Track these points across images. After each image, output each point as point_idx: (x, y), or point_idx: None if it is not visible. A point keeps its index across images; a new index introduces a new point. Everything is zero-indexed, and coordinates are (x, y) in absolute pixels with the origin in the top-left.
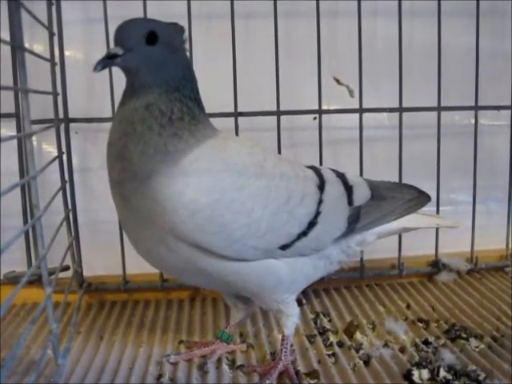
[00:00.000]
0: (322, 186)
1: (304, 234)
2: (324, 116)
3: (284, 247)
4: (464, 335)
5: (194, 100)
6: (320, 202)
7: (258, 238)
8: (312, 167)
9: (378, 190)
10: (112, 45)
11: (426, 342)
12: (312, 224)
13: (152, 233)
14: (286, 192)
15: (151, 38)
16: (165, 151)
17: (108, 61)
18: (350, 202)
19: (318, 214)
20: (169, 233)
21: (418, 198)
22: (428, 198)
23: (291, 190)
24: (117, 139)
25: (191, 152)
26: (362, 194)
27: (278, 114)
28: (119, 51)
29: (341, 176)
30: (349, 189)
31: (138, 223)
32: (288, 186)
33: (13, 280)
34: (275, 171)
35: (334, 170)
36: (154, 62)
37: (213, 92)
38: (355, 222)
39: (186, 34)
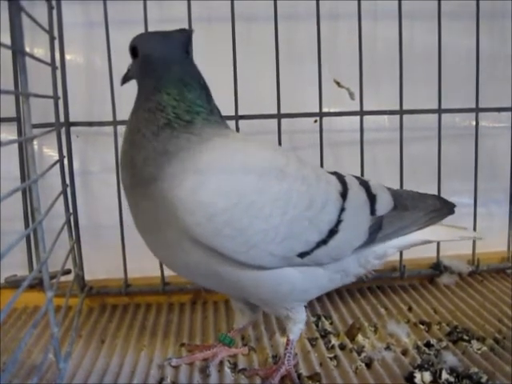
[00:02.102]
0: (344, 194)
1: (324, 242)
2: (325, 119)
3: (302, 255)
4: (466, 337)
5: (179, 102)
6: (342, 209)
7: (276, 244)
8: (335, 173)
9: (401, 200)
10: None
11: (428, 345)
12: (333, 232)
13: (166, 235)
14: (307, 198)
15: (133, 52)
16: (164, 151)
17: (125, 75)
18: (373, 211)
19: (339, 222)
20: (183, 235)
21: (441, 210)
22: (451, 210)
23: (313, 196)
24: (126, 148)
25: (199, 150)
26: (384, 204)
27: (279, 116)
28: (129, 66)
29: (364, 184)
30: (372, 198)
31: (152, 226)
32: (310, 191)
33: (14, 284)
34: (297, 176)
35: (357, 178)
36: (137, 74)
37: (213, 95)
38: (376, 231)
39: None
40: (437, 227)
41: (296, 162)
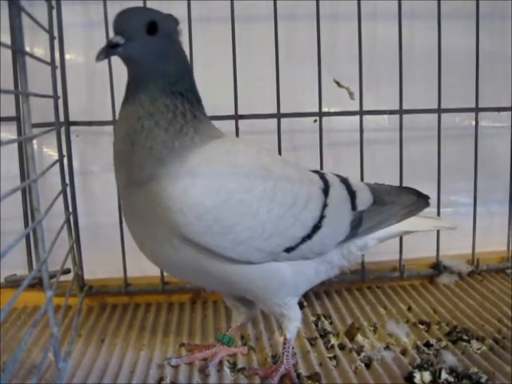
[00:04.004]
0: (326, 190)
1: (308, 237)
2: (324, 118)
3: (288, 250)
4: (465, 337)
5: (193, 94)
6: (324, 205)
7: (263, 240)
8: (317, 172)
9: (380, 195)
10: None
11: (428, 345)
12: (316, 227)
13: (157, 232)
14: (291, 195)
15: (152, 28)
16: (171, 147)
17: (110, 50)
18: (354, 206)
19: (322, 217)
20: (174, 232)
21: (418, 203)
22: (427, 203)
23: (297, 194)
24: (124, 136)
25: (197, 152)
26: (364, 199)
27: (279, 116)
28: (120, 40)
29: (344, 181)
30: (352, 194)
31: (144, 221)
32: (294, 189)
33: (14, 283)
34: (282, 174)
35: (337, 175)
36: (155, 53)
37: (213, 95)
38: (358, 226)
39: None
40: (415, 219)
41: (280, 162)
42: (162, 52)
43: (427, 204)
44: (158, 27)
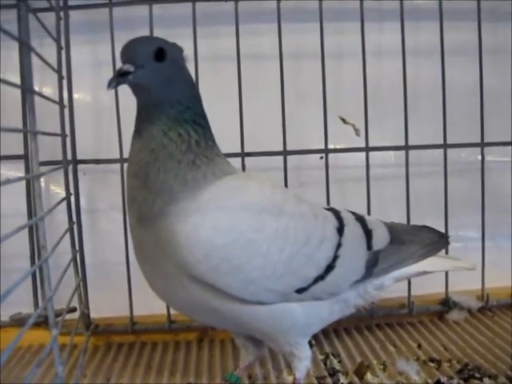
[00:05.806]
0: (341, 230)
1: (321, 277)
2: (330, 155)
3: (300, 290)
4: (477, 375)
5: (204, 119)
6: (339, 245)
7: (274, 280)
8: (331, 209)
9: (397, 234)
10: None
11: (439, 383)
12: (330, 268)
13: (167, 270)
14: (304, 235)
15: (160, 55)
16: (184, 182)
17: (120, 78)
18: (369, 246)
19: (336, 257)
20: (183, 271)
21: (437, 243)
22: (447, 242)
23: (310, 233)
24: (137, 169)
25: (209, 188)
26: (381, 238)
27: (285, 153)
28: (130, 68)
29: (360, 219)
30: (368, 233)
31: (154, 259)
32: (307, 228)
33: (19, 322)
34: (295, 212)
35: (353, 213)
36: (164, 79)
37: (219, 132)
38: (373, 266)
39: (185, 52)
40: (433, 258)
41: (293, 199)
42: (171, 78)
43: (447, 243)
44: (165, 54)
